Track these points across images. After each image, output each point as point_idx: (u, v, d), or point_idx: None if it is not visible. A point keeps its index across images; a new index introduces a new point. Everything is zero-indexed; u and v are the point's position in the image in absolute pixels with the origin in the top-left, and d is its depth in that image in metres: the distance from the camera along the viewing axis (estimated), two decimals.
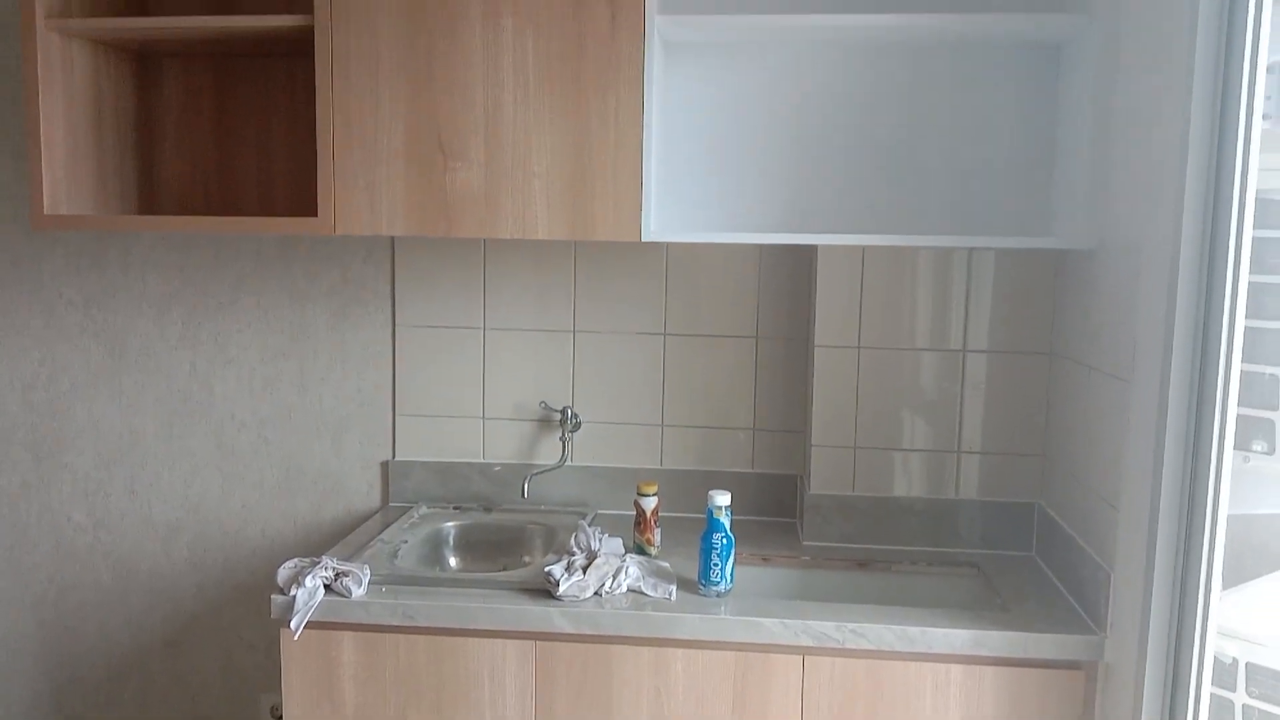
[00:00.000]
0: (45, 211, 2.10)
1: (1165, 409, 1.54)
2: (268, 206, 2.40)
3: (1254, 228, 1.48)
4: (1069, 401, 2.03)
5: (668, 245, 2.33)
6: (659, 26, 1.99)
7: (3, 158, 2.47)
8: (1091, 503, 1.87)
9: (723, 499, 1.91)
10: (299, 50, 2.20)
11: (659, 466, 2.40)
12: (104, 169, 2.26)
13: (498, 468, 2.44)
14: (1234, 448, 1.51)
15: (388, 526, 2.26)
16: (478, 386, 2.44)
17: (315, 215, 2.04)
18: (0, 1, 2.41)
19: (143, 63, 2.37)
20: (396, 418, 2.47)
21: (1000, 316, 2.16)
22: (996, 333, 2.16)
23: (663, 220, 2.25)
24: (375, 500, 2.50)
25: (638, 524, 2.13)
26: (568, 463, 2.38)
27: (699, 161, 2.25)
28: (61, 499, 2.59)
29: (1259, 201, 1.49)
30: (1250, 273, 1.49)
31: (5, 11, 2.41)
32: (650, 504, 2.11)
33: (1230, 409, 1.49)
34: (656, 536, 2.13)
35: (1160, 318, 1.56)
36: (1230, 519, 1.52)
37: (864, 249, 2.16)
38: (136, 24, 2.10)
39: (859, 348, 2.20)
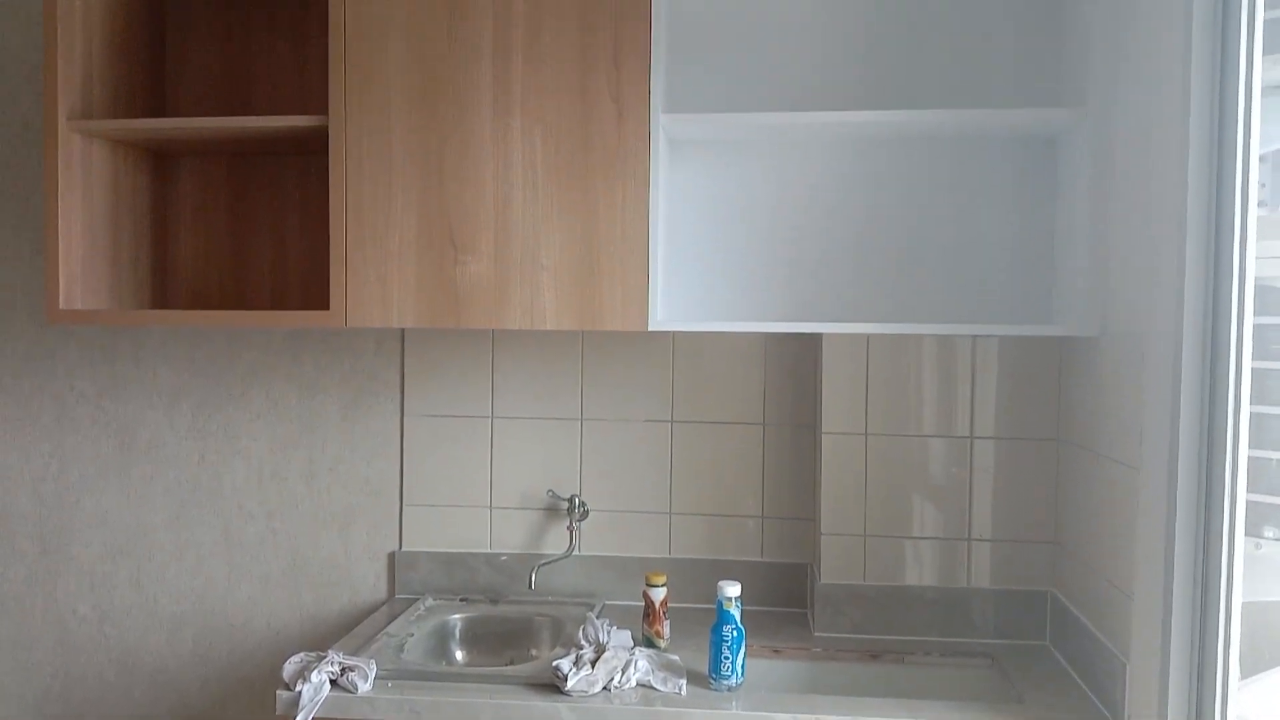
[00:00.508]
0: (60, 306, 2.13)
1: (1174, 496, 1.53)
2: (280, 299, 2.44)
3: (1255, 314, 1.50)
4: (1078, 488, 2.02)
5: (674, 334, 2.36)
6: (663, 124, 2.04)
7: (20, 253, 2.53)
8: (1105, 591, 1.85)
9: (733, 590, 1.90)
10: (312, 148, 2.26)
11: (667, 555, 2.38)
12: (119, 264, 2.30)
13: (504, 558, 2.42)
14: (1245, 534, 1.50)
15: (394, 619, 2.24)
16: (485, 475, 2.44)
17: (327, 308, 2.07)
18: (20, 103, 2.49)
19: (159, 160, 2.44)
20: (404, 508, 2.47)
21: (1006, 403, 2.16)
22: (1003, 419, 2.17)
23: (669, 310, 2.28)
24: (382, 592, 2.49)
25: (646, 615, 2.10)
26: (575, 552, 2.36)
27: (704, 252, 2.29)
28: (67, 592, 2.57)
29: (1259, 288, 1.51)
30: (1253, 359, 1.50)
31: (26, 112, 2.49)
32: (659, 595, 2.10)
33: (1239, 495, 1.49)
34: (666, 628, 2.11)
35: (1166, 404, 1.57)
36: (1245, 607, 1.50)
37: (868, 337, 2.18)
38: (156, 125, 2.16)
39: (866, 434, 2.20)
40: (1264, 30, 1.49)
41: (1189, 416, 1.53)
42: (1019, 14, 2.16)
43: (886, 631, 2.19)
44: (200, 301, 2.46)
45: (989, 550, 2.18)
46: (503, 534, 2.44)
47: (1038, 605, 2.16)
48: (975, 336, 2.15)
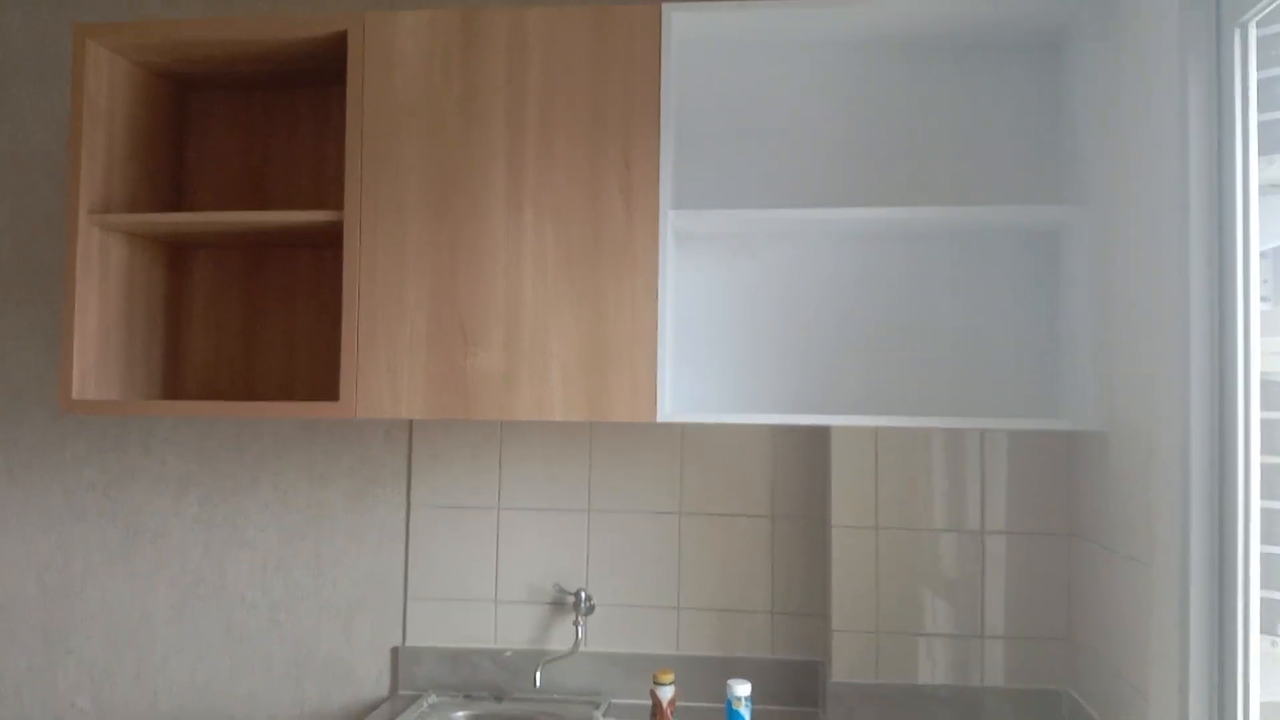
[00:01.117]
0: (74, 396, 2.15)
1: (1187, 593, 1.52)
2: (289, 389, 2.46)
3: (1262, 409, 1.50)
4: (1091, 584, 2.00)
5: (682, 425, 2.36)
6: (672, 219, 2.08)
7: (34, 343, 2.56)
8: (1121, 690, 1.81)
9: (742, 689, 1.87)
10: (326, 241, 2.30)
11: (675, 652, 2.34)
12: (133, 354, 2.33)
13: (509, 654, 2.39)
14: (1261, 632, 1.48)
15: (397, 717, 2.20)
16: (490, 568, 2.42)
17: (337, 399, 2.08)
18: (40, 196, 2.56)
19: (175, 252, 2.48)
20: (408, 601, 2.44)
21: (1017, 497, 2.15)
22: (1014, 513, 2.15)
23: (677, 400, 2.28)
24: (385, 688, 2.45)
25: (654, 715, 2.07)
26: (581, 648, 2.33)
27: (713, 343, 2.30)
28: (67, 684, 2.54)
29: (1265, 383, 1.51)
30: (1262, 454, 1.50)
31: (47, 205, 2.55)
32: (667, 694, 2.06)
33: (1253, 592, 1.47)
34: None
35: (1175, 500, 1.56)
36: (1264, 706, 1.47)
37: (877, 429, 2.18)
38: (174, 219, 2.20)
39: (877, 528, 2.19)
40: (1259, 131, 1.53)
41: (1199, 512, 1.52)
42: (1018, 112, 2.21)
43: None
44: (211, 391, 2.48)
45: (1002, 648, 2.14)
46: (508, 629, 2.41)
47: (1052, 704, 2.11)
48: (984, 430, 2.15)
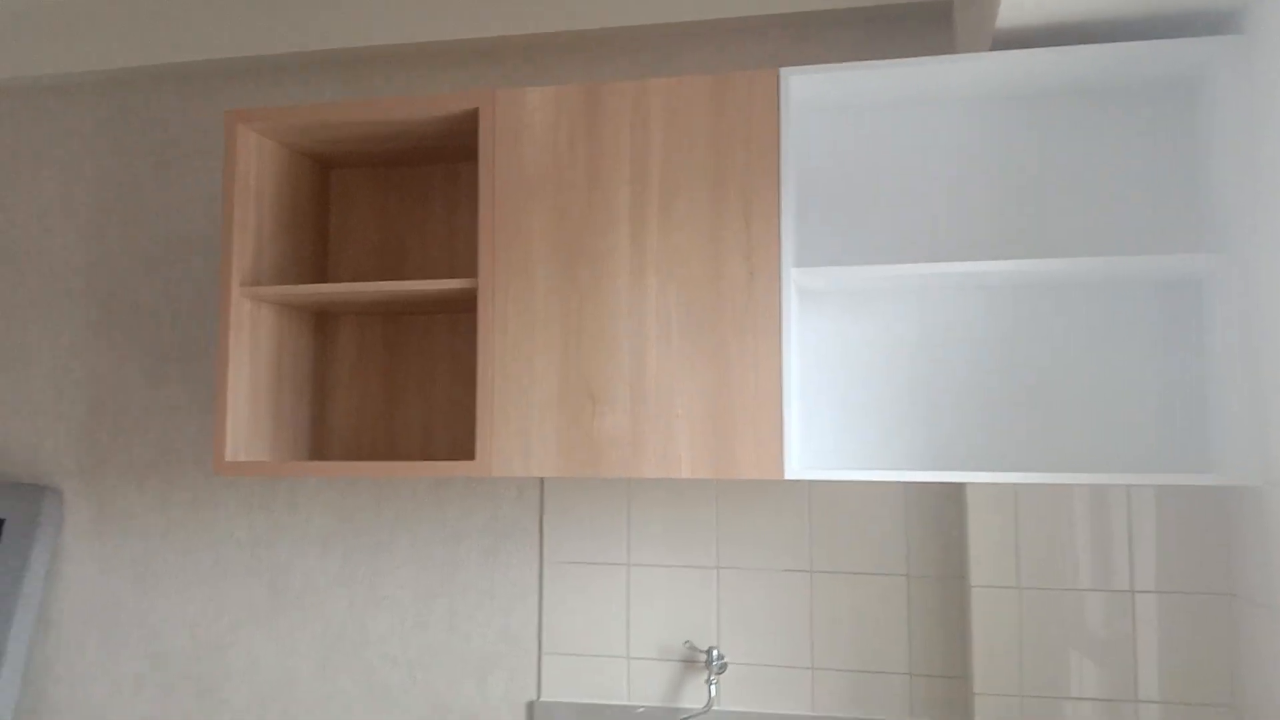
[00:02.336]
0: (226, 459, 2.27)
1: None
2: (428, 449, 2.54)
3: None
4: (1256, 647, 1.89)
5: (811, 482, 2.34)
6: (794, 278, 2.08)
7: (190, 408, 2.71)
8: None
9: None
10: (460, 307, 2.38)
11: (810, 712, 2.31)
12: (280, 417, 2.44)
13: (642, 710, 2.39)
14: None
15: None
16: (622, 624, 2.43)
17: (473, 458, 2.14)
18: (192, 271, 2.72)
19: (320, 320, 2.60)
20: (543, 656, 2.47)
21: (1169, 555, 2.06)
22: (1167, 572, 2.06)
23: (805, 457, 2.27)
24: None
25: None
26: (715, 707, 2.31)
27: (840, 399, 2.28)
28: None
29: None
30: None
31: (198, 279, 2.71)
32: None
33: None
34: None
35: None
36: None
37: (1016, 486, 2.12)
38: (320, 290, 2.30)
39: (1019, 588, 2.11)
40: None
41: None
42: (1149, 157, 2.14)
43: None
44: (354, 452, 2.58)
45: (1158, 713, 2.04)
46: (640, 685, 2.41)
47: None
48: (1130, 486, 2.07)
